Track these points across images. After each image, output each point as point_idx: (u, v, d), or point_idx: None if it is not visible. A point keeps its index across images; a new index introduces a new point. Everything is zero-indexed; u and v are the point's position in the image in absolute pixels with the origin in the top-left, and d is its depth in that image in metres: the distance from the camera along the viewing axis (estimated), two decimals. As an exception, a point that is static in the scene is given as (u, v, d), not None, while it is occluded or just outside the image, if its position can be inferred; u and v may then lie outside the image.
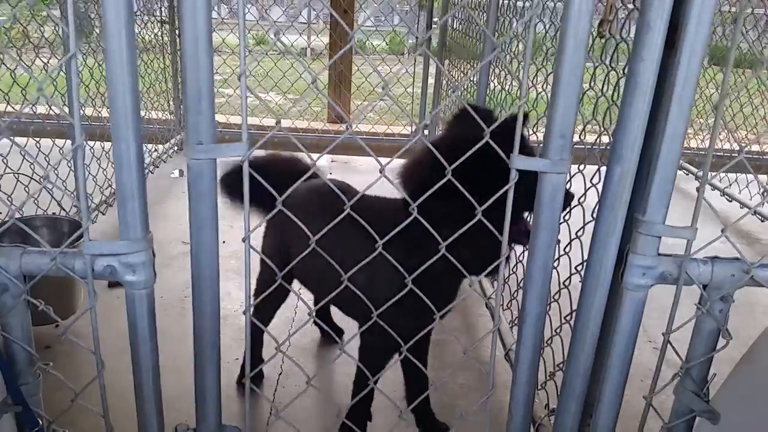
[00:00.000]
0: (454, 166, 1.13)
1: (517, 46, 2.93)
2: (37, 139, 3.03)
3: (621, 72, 1.33)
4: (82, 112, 3.32)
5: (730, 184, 4.29)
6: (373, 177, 1.15)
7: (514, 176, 1.09)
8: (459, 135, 1.57)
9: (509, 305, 2.50)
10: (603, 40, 1.34)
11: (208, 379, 1.22)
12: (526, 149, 1.13)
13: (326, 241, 1.40)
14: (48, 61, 3.33)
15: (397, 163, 1.22)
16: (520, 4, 2.84)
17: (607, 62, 1.52)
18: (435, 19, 5.18)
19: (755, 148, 5.22)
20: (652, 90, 1.02)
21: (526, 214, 1.52)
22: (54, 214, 2.72)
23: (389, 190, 1.33)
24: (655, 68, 1.02)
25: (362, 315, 1.31)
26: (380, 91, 5.74)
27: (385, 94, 1.00)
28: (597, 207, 1.18)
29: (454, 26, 4.32)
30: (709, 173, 1.12)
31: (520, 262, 2.40)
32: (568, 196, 1.50)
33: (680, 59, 0.98)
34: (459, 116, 1.51)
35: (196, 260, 1.12)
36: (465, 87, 3.61)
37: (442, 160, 1.15)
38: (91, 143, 3.30)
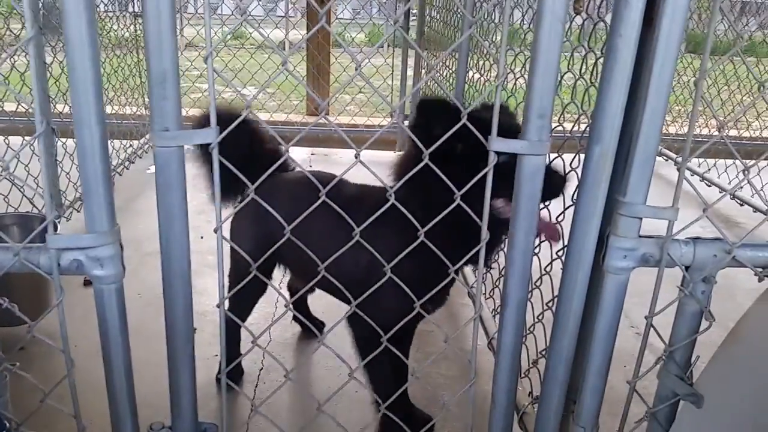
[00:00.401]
0: (430, 150, 1.10)
1: (495, 33, 2.90)
2: (7, 137, 2.95)
3: (600, 52, 1.31)
4: (54, 108, 3.24)
5: (709, 169, 4.32)
6: (354, 169, 1.12)
7: (492, 159, 1.07)
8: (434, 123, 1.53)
9: (491, 294, 2.49)
10: (580, 19, 1.31)
11: (183, 374, 1.18)
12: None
13: (324, 228, 1.36)
14: (16, 58, 3.25)
15: (374, 152, 1.19)
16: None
17: (585, 45, 1.50)
18: (414, 10, 5.14)
19: (733, 132, 5.25)
20: (631, 67, 1.00)
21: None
22: (28, 212, 2.65)
23: (367, 178, 1.30)
24: (634, 44, 1.00)
25: (364, 301, 1.27)
26: (359, 81, 5.69)
27: (358, 73, 0.97)
28: (576, 189, 1.16)
29: (432, 14, 4.29)
30: (689, 156, 1.10)
31: (502, 249, 2.38)
32: (558, 182, 1.45)
33: (659, 34, 0.96)
34: (421, 108, 1.46)
35: (166, 252, 1.08)
36: (443, 75, 3.58)
37: (420, 145, 1.12)
38: (64, 140, 3.22)
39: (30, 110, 3.25)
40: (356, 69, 0.98)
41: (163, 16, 0.91)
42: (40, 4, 3.23)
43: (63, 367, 1.18)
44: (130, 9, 4.61)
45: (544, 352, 1.67)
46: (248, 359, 2.20)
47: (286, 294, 2.40)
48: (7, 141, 2.88)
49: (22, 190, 2.77)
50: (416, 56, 4.90)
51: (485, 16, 2.82)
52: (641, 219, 1.11)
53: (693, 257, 1.15)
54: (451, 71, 3.34)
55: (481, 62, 2.90)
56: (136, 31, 4.52)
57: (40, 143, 1.00)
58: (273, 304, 2.57)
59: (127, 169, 4.12)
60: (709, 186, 4.16)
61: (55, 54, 3.30)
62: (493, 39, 2.91)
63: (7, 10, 3.47)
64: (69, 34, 0.89)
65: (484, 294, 2.54)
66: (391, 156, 4.96)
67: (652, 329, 1.23)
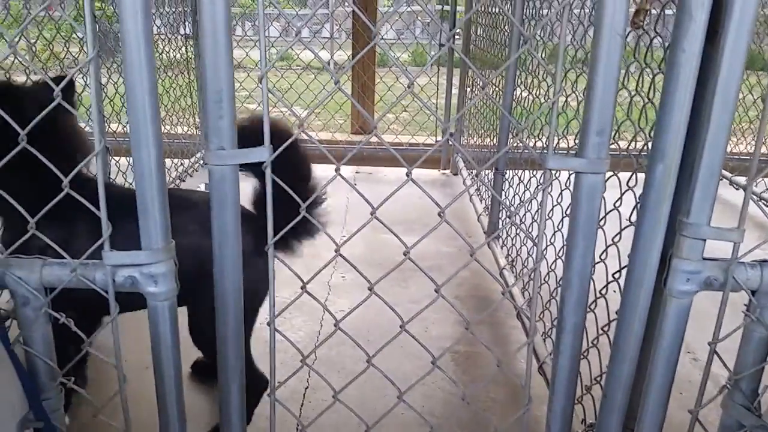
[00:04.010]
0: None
1: (544, 50, 2.87)
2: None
3: (658, 68, 1.27)
4: (108, 128, 3.34)
5: (767, 189, 4.15)
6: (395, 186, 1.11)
7: (548, 176, 1.04)
8: None
9: (541, 316, 2.43)
10: (639, 32, 1.28)
11: (233, 390, 1.18)
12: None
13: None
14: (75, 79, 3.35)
15: (418, 170, 1.18)
16: (545, 12, 2.79)
17: (641, 60, 1.46)
18: (458, 30, 5.14)
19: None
20: (693, 82, 0.97)
21: None
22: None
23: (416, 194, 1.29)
24: (697, 59, 0.96)
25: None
26: (404, 100, 5.71)
27: (409, 92, 0.96)
28: (637, 208, 1.12)
29: (478, 32, 4.28)
30: (756, 176, 1.05)
31: (552, 270, 2.33)
32: None
33: (724, 47, 0.92)
34: None
35: (219, 268, 1.09)
36: (490, 94, 3.55)
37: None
38: (117, 158, 3.32)
39: (88, 129, 3.35)
40: (408, 87, 0.97)
41: (219, 35, 0.92)
42: (97, 28, 3.35)
43: (113, 380, 1.19)
44: (182, 31, 4.74)
45: (599, 378, 1.61)
46: (294, 377, 2.20)
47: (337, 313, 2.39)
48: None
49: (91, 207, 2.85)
50: (461, 75, 4.89)
51: (533, 34, 2.79)
52: (705, 240, 1.07)
53: (760, 281, 1.09)
54: (498, 89, 3.32)
55: (529, 80, 2.86)
56: (187, 52, 4.65)
57: (97, 161, 1.01)
58: (319, 322, 2.57)
59: (179, 187, 4.21)
60: (768, 206, 4.00)
61: (109, 75, 3.41)
62: (542, 55, 2.88)
63: (66, 34, 3.61)
64: (128, 57, 0.91)
65: (535, 317, 2.48)
66: (434, 174, 4.96)
67: (705, 358, 1.18)
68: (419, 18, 8.05)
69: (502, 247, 3.07)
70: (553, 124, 1.00)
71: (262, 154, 0.98)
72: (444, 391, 2.14)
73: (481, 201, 3.78)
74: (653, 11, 1.42)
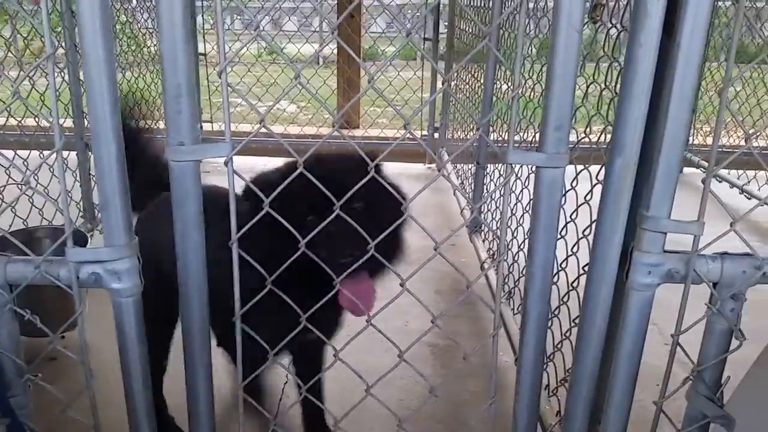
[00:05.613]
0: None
1: (531, 45, 2.88)
2: (42, 151, 3.02)
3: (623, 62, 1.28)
4: (88, 124, 3.31)
5: (749, 182, 4.19)
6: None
7: (510, 171, 1.05)
8: None
9: (520, 309, 2.45)
10: (597, 27, 1.28)
11: (199, 383, 1.19)
12: None
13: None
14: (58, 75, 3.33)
15: (404, 165, 1.18)
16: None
17: (609, 55, 1.47)
18: (445, 23, 5.14)
19: (762, 143, 5.06)
20: (651, 76, 0.97)
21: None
22: (62, 226, 2.70)
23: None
24: (654, 54, 0.97)
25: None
26: (390, 94, 5.72)
27: (371, 86, 0.96)
28: (600, 202, 1.13)
29: (462, 27, 4.28)
30: (722, 168, 1.06)
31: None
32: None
33: (681, 40, 0.93)
34: None
35: (182, 263, 1.09)
36: (473, 88, 3.56)
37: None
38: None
39: (70, 125, 3.31)
40: (369, 82, 0.97)
41: (177, 29, 0.91)
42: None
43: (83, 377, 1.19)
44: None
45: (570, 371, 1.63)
46: (273, 374, 2.20)
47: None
48: (42, 155, 2.96)
49: (55, 203, 2.84)
50: (446, 69, 4.89)
51: (510, 27, 2.80)
52: (666, 234, 1.07)
53: (721, 273, 1.10)
54: (480, 83, 3.32)
55: (509, 74, 2.87)
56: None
57: (57, 158, 1.01)
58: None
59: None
60: (749, 198, 4.03)
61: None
62: (529, 51, 2.89)
63: (55, 26, 3.58)
64: (86, 51, 0.91)
65: (513, 310, 2.50)
66: (420, 168, 4.95)
67: (679, 348, 1.19)
68: (406, 10, 8.04)
69: (483, 241, 3.09)
70: (513, 118, 1.01)
71: (222, 149, 0.98)
72: (421, 385, 2.15)
73: (464, 195, 3.80)
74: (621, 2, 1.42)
